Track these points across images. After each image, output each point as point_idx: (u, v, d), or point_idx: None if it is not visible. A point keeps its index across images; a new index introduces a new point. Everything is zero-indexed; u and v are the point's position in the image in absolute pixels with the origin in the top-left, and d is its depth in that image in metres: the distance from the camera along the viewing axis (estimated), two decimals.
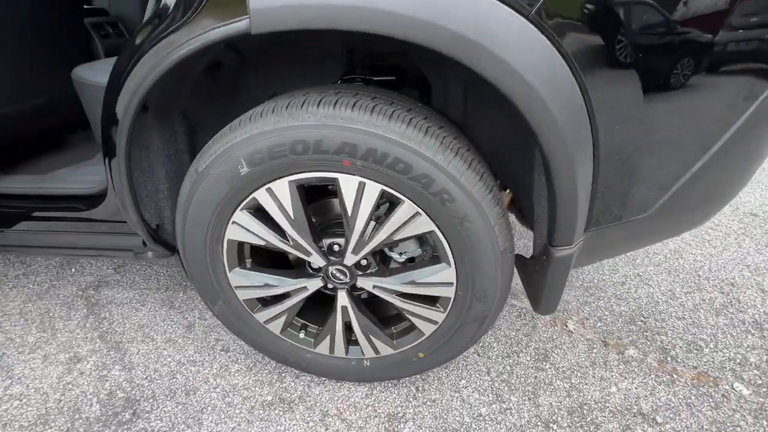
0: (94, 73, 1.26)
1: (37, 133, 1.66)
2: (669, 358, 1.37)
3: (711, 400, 1.24)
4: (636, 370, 1.34)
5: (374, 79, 1.15)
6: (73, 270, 1.85)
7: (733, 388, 1.27)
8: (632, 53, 0.70)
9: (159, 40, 0.85)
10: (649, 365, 1.35)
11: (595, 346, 1.43)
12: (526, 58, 0.69)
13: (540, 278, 1.01)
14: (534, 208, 1.05)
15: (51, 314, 1.62)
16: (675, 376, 1.31)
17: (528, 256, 1.10)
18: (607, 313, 1.57)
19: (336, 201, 1.14)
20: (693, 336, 1.46)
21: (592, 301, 1.63)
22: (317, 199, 1.14)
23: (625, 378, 1.31)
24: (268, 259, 1.23)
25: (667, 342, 1.44)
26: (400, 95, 0.96)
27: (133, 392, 1.30)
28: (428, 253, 1.31)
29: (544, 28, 0.68)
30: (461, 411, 1.22)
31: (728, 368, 1.34)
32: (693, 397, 1.24)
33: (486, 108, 1.10)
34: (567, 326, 1.51)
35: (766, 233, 2.03)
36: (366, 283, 1.07)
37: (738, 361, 1.36)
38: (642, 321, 1.53)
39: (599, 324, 1.52)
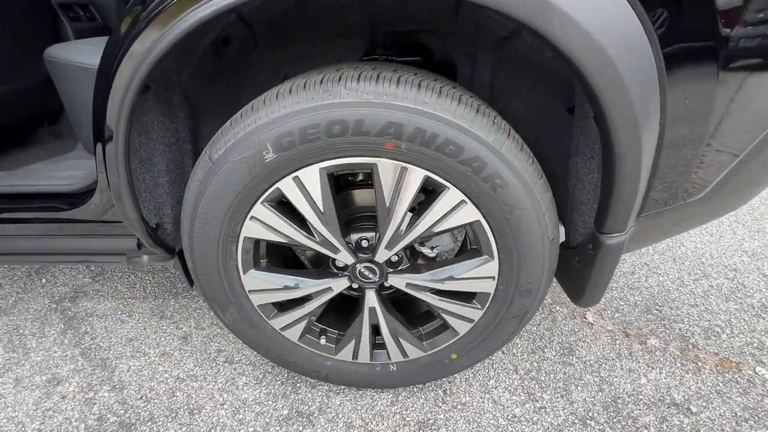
0: (71, 53, 1.11)
1: (0, 124, 1.45)
2: (690, 346, 1.36)
3: (738, 386, 1.23)
4: (661, 359, 1.31)
5: (397, 60, 1.06)
6: (44, 280, 1.65)
7: (756, 373, 1.27)
8: (718, 30, 0.65)
9: (166, 6, 0.72)
10: (672, 354, 1.33)
11: (617, 337, 1.40)
12: (606, 28, 0.62)
13: (584, 269, 0.95)
14: (569, 194, 1.00)
15: (21, 331, 1.42)
16: (699, 364, 1.30)
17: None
18: (622, 303, 1.55)
19: (357, 192, 1.04)
20: (708, 322, 1.46)
21: (605, 291, 1.60)
22: (338, 191, 1.04)
23: (653, 368, 1.28)
24: (281, 259, 1.12)
25: (685, 330, 1.43)
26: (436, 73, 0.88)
27: (127, 415, 1.15)
28: (459, 245, 1.23)
29: None
30: (494, 413, 1.15)
31: (747, 353, 1.34)
32: (721, 384, 1.23)
33: (518, 89, 1.03)
34: (586, 318, 1.48)
35: (756, 220, 2.09)
36: (398, 281, 0.98)
37: (755, 345, 1.37)
38: (657, 309, 1.52)
39: (617, 314, 1.49)
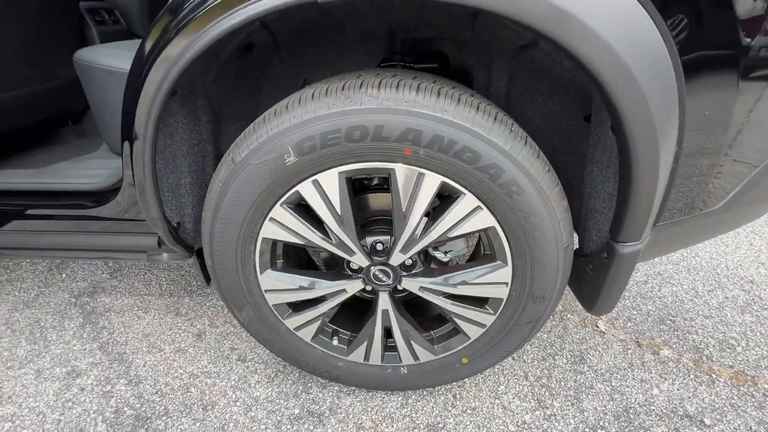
0: (100, 56, 1.15)
1: (27, 124, 1.51)
2: (704, 358, 1.35)
3: (753, 399, 1.21)
4: (674, 370, 1.30)
5: (415, 66, 1.08)
6: (64, 275, 1.70)
7: None
8: (738, 39, 0.66)
9: (197, 15, 0.75)
10: (686, 365, 1.32)
11: (629, 346, 1.39)
12: (626, 39, 0.63)
13: (598, 277, 0.95)
14: (584, 202, 1.00)
15: (42, 324, 1.47)
16: (713, 376, 1.29)
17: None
18: (635, 312, 1.54)
19: (374, 196, 1.06)
20: (723, 334, 1.44)
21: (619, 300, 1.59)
22: (354, 195, 1.05)
23: (665, 379, 1.27)
24: (296, 260, 1.14)
25: (699, 341, 1.41)
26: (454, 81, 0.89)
27: (143, 409, 1.17)
28: (471, 250, 1.24)
29: (645, 2, 0.63)
30: (504, 419, 1.15)
31: (764, 366, 1.32)
32: (735, 398, 1.21)
33: (534, 97, 1.04)
34: (598, 327, 1.47)
35: None
36: (411, 285, 1.00)
37: None
38: (671, 320, 1.50)
39: (629, 324, 1.48)
